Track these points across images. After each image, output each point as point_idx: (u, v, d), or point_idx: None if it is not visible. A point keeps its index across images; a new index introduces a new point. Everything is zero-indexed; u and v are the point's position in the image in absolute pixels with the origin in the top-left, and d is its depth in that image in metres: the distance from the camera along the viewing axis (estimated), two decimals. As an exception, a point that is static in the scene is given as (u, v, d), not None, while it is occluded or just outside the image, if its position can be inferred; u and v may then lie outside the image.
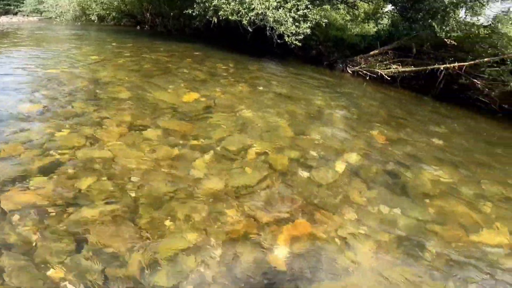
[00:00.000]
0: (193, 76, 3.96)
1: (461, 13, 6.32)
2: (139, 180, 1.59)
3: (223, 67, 5.12)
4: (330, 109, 3.68)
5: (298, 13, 6.68)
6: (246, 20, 6.68)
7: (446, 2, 6.21)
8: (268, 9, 6.54)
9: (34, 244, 1.15)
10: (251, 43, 7.90)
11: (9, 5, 28.32)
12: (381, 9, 9.84)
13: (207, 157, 1.97)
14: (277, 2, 6.59)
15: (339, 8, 10.59)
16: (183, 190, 1.60)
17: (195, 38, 9.41)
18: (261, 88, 4.07)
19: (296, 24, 6.71)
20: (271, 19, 6.59)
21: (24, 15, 24.07)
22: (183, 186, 1.64)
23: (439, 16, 6.18)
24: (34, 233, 1.19)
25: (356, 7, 9.98)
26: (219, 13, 6.84)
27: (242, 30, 7.22)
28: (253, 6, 6.57)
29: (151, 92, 2.94)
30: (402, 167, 2.43)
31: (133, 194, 1.47)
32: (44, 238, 1.17)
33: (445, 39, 5.51)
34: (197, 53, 6.59)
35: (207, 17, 7.46)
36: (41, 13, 20.19)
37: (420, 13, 6.96)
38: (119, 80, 3.18)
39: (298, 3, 6.75)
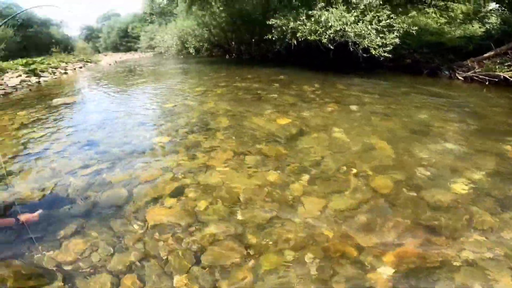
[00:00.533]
0: (282, 101, 4.15)
1: None
2: (244, 203, 1.76)
3: (310, 88, 5.18)
4: (440, 122, 3.28)
5: (381, 24, 6.31)
6: (325, 38, 6.63)
7: None
8: (347, 24, 6.34)
9: (166, 255, 1.38)
10: (334, 60, 7.77)
11: (130, 42, 36.38)
12: (484, 8, 8.56)
13: (303, 180, 2.01)
14: (354, 17, 6.35)
15: (427, 13, 9.63)
16: (283, 211, 1.69)
17: (278, 62, 9.80)
18: (352, 106, 3.93)
19: (381, 35, 6.33)
20: (352, 34, 6.36)
21: (141, 51, 30.22)
22: (283, 207, 1.73)
23: None
24: (166, 246, 1.43)
25: (449, 9, 8.88)
26: (297, 35, 6.98)
27: (323, 49, 7.18)
28: (330, 24, 6.47)
29: (247, 119, 3.25)
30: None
31: (240, 217, 1.64)
32: (173, 250, 1.39)
33: None
34: (282, 77, 6.81)
35: (286, 40, 7.66)
36: (154, 48, 24.94)
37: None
38: (220, 109, 3.65)
39: (378, 14, 6.40)
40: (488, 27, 7.13)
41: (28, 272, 1.20)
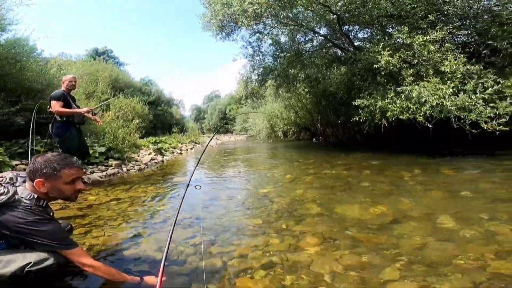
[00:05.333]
0: (375, 189, 4.03)
1: None
2: (330, 281, 1.78)
3: (407, 174, 4.85)
4: None
5: (487, 92, 5.50)
6: (420, 116, 6.06)
7: None
8: (444, 98, 5.73)
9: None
10: (435, 140, 7.07)
11: (227, 124, 41.02)
12: None
13: (399, 264, 1.91)
14: (452, 88, 5.74)
15: None
16: None
17: (368, 144, 9.56)
18: (464, 193, 3.49)
19: (491, 105, 5.46)
20: (453, 108, 5.67)
21: (236, 133, 33.72)
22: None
23: None
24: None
25: None
26: (387, 115, 6.59)
27: (419, 127, 6.56)
28: (423, 99, 5.95)
29: (336, 207, 3.28)
30: None
31: None
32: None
33: None
34: (374, 162, 6.55)
35: (376, 121, 7.23)
36: (246, 131, 27.46)
37: None
38: (309, 197, 3.81)
39: (481, 81, 5.66)
40: None
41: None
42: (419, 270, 1.82)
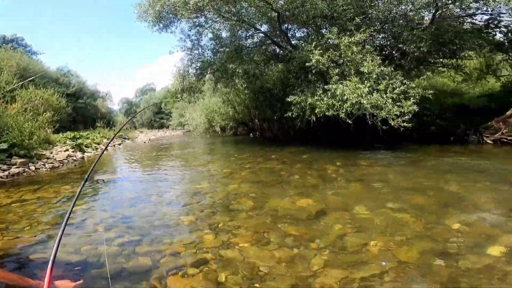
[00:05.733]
0: (304, 182, 4.29)
1: None
2: (264, 275, 1.82)
3: (332, 167, 5.28)
4: (472, 193, 3.31)
5: (395, 92, 6.28)
6: (342, 113, 6.60)
7: None
8: (361, 96, 6.32)
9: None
10: (355, 135, 7.77)
11: (163, 118, 38.02)
12: (493, 61, 8.42)
13: (324, 254, 2.06)
14: (368, 87, 6.36)
15: (442, 72, 9.52)
16: (303, 281, 1.75)
17: (300, 139, 10.11)
18: (376, 184, 3.97)
19: (398, 104, 6.25)
20: (368, 106, 6.32)
21: (173, 128, 31.64)
22: (303, 278, 1.78)
23: None
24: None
25: (462, 66, 8.80)
26: (316, 111, 7.03)
27: (343, 124, 7.14)
28: (345, 97, 6.50)
29: (269, 201, 3.38)
30: None
31: (258, 285, 1.72)
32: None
33: None
34: (305, 156, 6.92)
35: (306, 116, 7.63)
36: (183, 126, 26.22)
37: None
38: (244, 192, 3.86)
39: (391, 82, 6.41)
40: (504, 80, 6.95)
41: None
42: (341, 258, 1.98)
